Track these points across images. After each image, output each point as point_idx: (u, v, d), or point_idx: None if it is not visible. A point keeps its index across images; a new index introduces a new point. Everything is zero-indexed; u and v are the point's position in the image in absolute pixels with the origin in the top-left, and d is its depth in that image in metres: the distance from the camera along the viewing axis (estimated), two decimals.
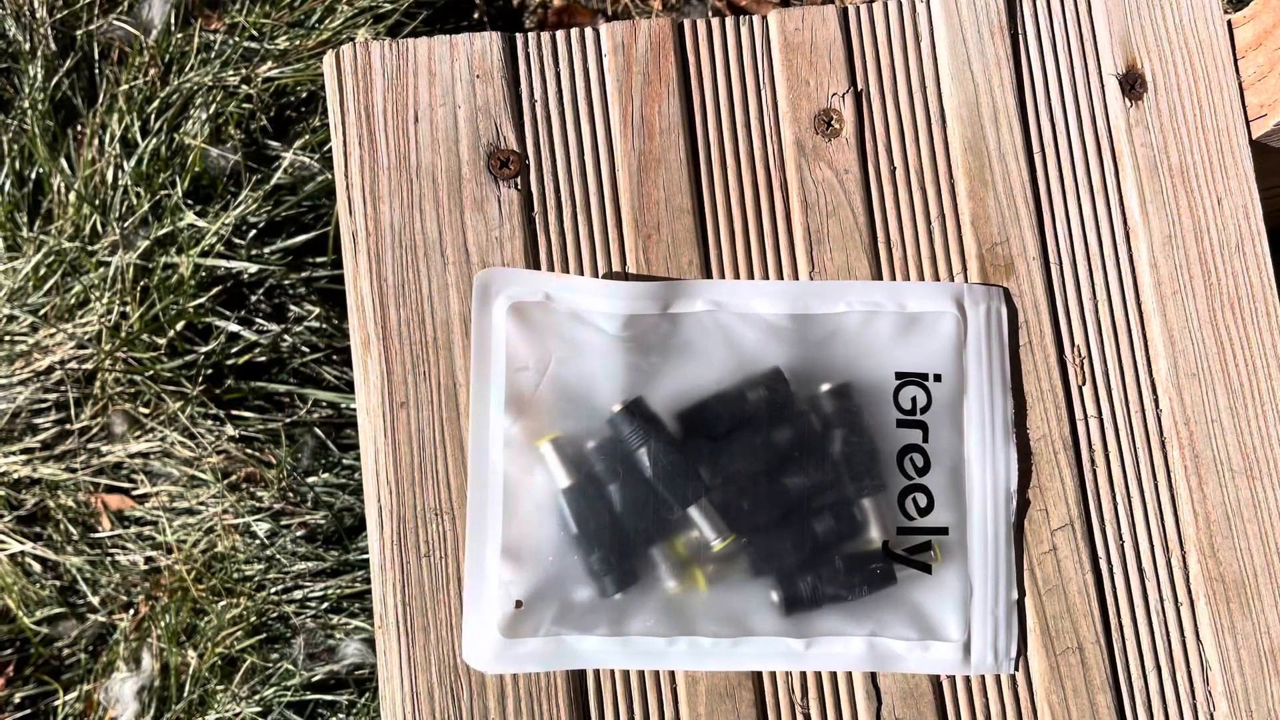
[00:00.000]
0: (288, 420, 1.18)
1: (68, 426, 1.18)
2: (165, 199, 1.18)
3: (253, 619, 1.14)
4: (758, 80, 0.69)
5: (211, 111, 1.20)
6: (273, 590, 1.14)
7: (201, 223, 1.17)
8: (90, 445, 1.18)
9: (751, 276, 0.67)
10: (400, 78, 0.68)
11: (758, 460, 0.63)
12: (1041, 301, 0.67)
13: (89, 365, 1.17)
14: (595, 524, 0.62)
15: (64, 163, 1.20)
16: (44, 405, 1.19)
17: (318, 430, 1.19)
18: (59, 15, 1.24)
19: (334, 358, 1.20)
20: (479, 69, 0.68)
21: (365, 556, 1.15)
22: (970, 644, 0.63)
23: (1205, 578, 0.65)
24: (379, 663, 0.63)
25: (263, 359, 1.20)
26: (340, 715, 1.13)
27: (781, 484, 0.63)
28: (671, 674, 0.63)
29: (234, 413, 1.18)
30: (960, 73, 0.69)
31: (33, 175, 1.22)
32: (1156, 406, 0.66)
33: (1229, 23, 0.70)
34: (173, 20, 1.23)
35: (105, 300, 1.16)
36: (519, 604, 0.62)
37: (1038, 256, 0.67)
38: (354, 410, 1.16)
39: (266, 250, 1.19)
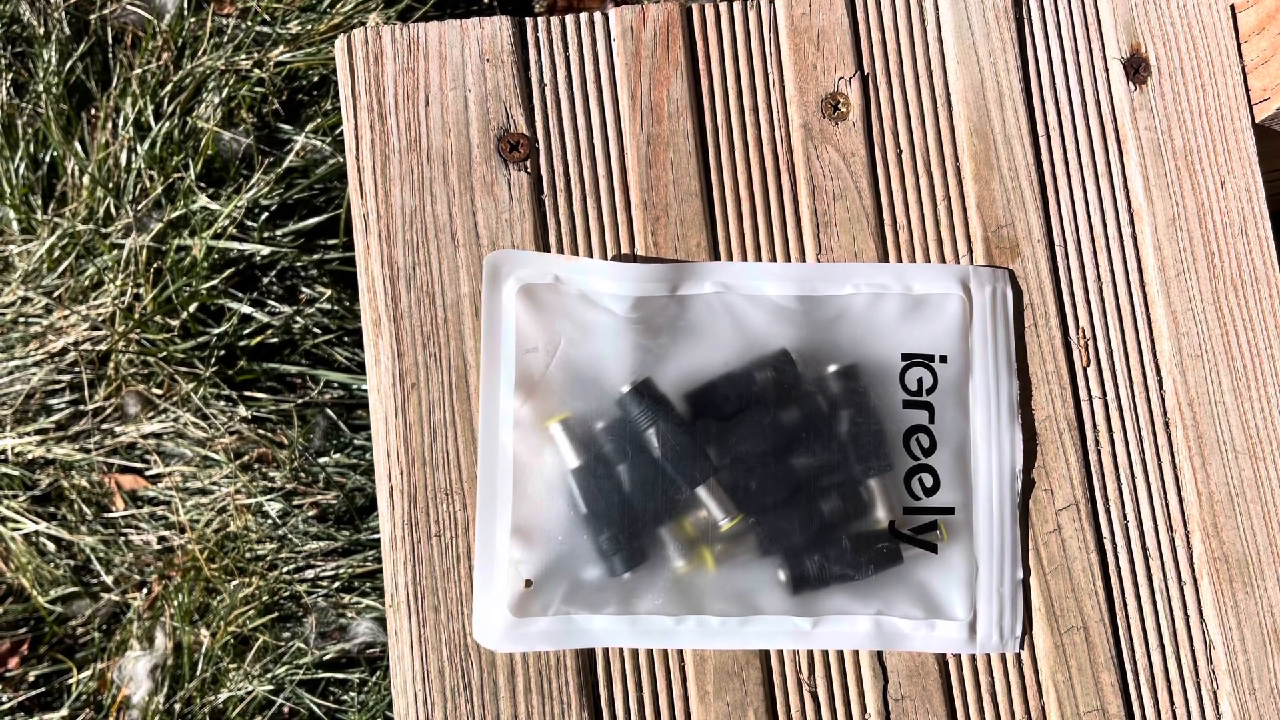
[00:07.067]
0: (299, 401, 1.19)
1: (81, 407, 1.19)
2: (178, 182, 1.19)
3: (265, 598, 1.15)
4: (765, 64, 0.69)
5: (224, 95, 1.21)
6: (285, 569, 1.15)
7: (214, 205, 1.17)
8: (104, 426, 1.19)
9: (759, 259, 0.67)
10: (411, 62, 0.68)
11: (765, 441, 0.64)
12: (1046, 283, 0.67)
13: (103, 346, 1.18)
14: (604, 504, 0.63)
15: (78, 146, 1.21)
16: (58, 386, 1.20)
17: (329, 411, 1.19)
18: None
19: (345, 339, 1.21)
20: (489, 53, 0.68)
21: (376, 536, 1.16)
22: (976, 623, 0.64)
23: (1209, 557, 0.65)
24: (390, 641, 0.64)
25: (275, 340, 1.20)
26: (352, 693, 1.14)
27: (789, 464, 0.64)
28: (680, 653, 0.64)
29: (246, 394, 1.19)
30: (966, 57, 0.69)
31: (47, 158, 1.22)
32: (1160, 387, 0.67)
33: (1232, 7, 0.70)
34: (185, 4, 1.23)
35: (119, 282, 1.16)
36: (529, 583, 0.63)
37: (1042, 239, 0.67)
38: (365, 391, 1.17)
39: (278, 233, 1.20)
